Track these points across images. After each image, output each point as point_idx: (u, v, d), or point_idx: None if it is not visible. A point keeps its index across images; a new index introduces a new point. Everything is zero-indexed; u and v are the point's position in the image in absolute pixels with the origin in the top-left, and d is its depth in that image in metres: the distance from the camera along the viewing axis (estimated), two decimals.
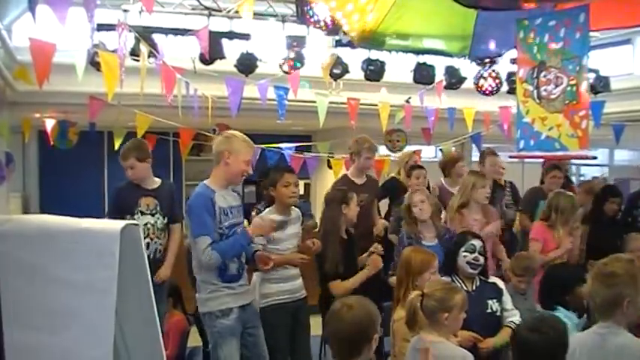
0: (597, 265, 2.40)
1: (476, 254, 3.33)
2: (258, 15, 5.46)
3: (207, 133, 5.71)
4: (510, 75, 6.24)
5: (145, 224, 3.92)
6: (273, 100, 5.36)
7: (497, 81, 6.28)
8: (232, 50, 5.47)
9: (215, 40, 5.02)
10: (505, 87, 6.42)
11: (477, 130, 6.48)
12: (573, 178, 8.91)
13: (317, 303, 3.79)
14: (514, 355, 2.31)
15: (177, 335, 4.25)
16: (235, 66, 5.49)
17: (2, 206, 6.21)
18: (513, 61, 5.98)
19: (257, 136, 3.96)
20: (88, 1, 3.06)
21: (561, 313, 3.12)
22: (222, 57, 5.35)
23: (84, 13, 3.11)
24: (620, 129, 6.40)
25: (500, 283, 3.48)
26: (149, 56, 4.45)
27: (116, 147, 5.27)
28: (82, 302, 1.50)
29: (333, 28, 4.75)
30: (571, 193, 4.62)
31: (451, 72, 6.24)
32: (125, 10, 5.30)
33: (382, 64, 5.90)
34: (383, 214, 5.20)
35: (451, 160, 5.40)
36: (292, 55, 5.61)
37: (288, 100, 5.42)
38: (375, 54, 5.87)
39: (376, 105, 5.99)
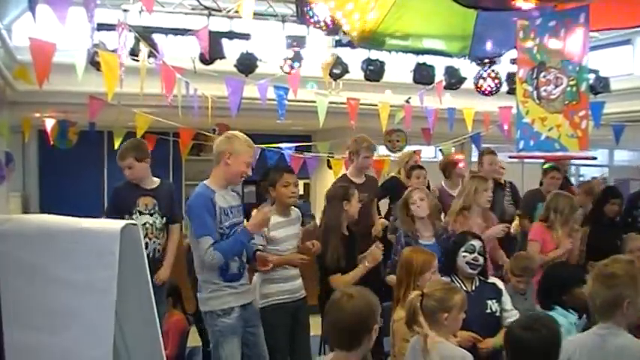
0: (597, 266, 2.41)
1: (475, 254, 3.34)
2: (258, 15, 5.46)
3: (207, 133, 5.72)
4: (510, 75, 6.23)
5: (144, 224, 3.90)
6: (273, 100, 5.36)
7: (496, 81, 6.28)
8: (232, 50, 5.48)
9: (215, 40, 5.02)
10: (505, 87, 6.42)
11: (477, 131, 6.48)
12: (573, 179, 8.92)
13: (317, 303, 3.78)
14: (508, 353, 2.31)
15: (177, 335, 4.25)
16: (235, 66, 5.50)
17: (2, 206, 6.21)
18: (513, 62, 5.99)
19: (257, 136, 3.96)
20: (88, 0, 3.06)
21: (558, 312, 3.13)
22: (222, 57, 5.36)
23: (84, 13, 3.12)
24: (620, 129, 6.39)
25: (500, 284, 3.48)
26: (149, 56, 4.45)
27: (116, 147, 5.25)
28: (82, 302, 1.50)
29: (333, 28, 4.76)
30: (569, 194, 4.61)
31: (451, 72, 6.25)
32: (125, 10, 5.31)
33: (382, 64, 5.91)
34: (383, 214, 5.20)
35: (451, 162, 5.40)
36: (292, 55, 5.61)
37: (288, 100, 5.42)
38: (374, 54, 5.88)
39: (376, 105, 5.99)
